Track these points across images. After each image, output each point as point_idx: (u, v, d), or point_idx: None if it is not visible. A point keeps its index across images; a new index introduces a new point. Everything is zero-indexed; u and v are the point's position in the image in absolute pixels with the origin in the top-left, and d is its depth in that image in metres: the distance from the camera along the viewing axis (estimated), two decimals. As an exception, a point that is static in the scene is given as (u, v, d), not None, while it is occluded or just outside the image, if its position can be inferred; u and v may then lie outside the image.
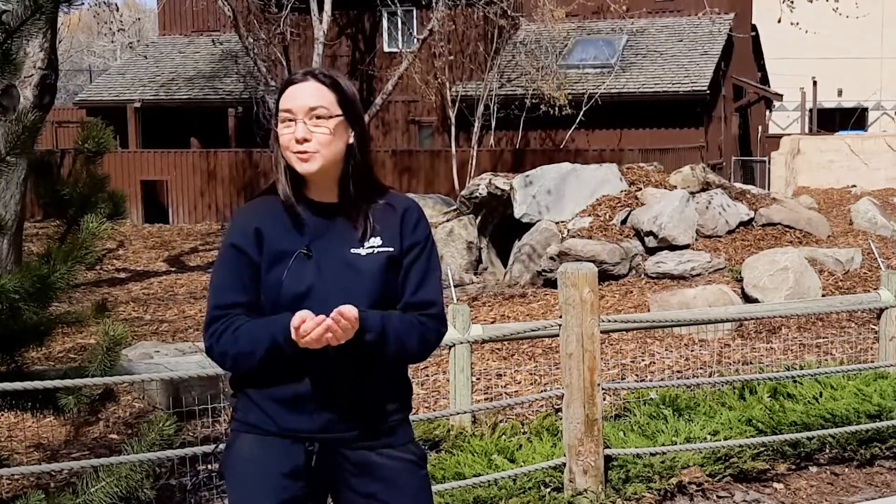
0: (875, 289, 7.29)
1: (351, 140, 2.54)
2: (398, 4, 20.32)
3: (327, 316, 2.36)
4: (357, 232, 2.52)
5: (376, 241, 2.52)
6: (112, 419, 6.38)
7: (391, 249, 2.52)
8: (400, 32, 23.10)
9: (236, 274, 2.50)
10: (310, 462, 2.50)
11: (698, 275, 10.61)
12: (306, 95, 2.49)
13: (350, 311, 2.34)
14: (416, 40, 21.15)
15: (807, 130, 28.58)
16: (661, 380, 7.12)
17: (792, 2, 17.72)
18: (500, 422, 5.66)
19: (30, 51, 8.34)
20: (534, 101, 20.52)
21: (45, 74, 8.71)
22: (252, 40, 20.17)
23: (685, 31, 23.39)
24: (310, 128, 2.47)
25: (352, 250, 2.50)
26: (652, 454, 5.02)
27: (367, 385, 2.50)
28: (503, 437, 5.26)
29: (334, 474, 2.54)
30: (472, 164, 19.61)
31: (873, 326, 7.82)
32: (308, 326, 2.33)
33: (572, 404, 4.75)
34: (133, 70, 25.36)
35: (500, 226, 12.77)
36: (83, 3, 3.90)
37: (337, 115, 2.50)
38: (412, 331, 2.50)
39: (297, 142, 2.46)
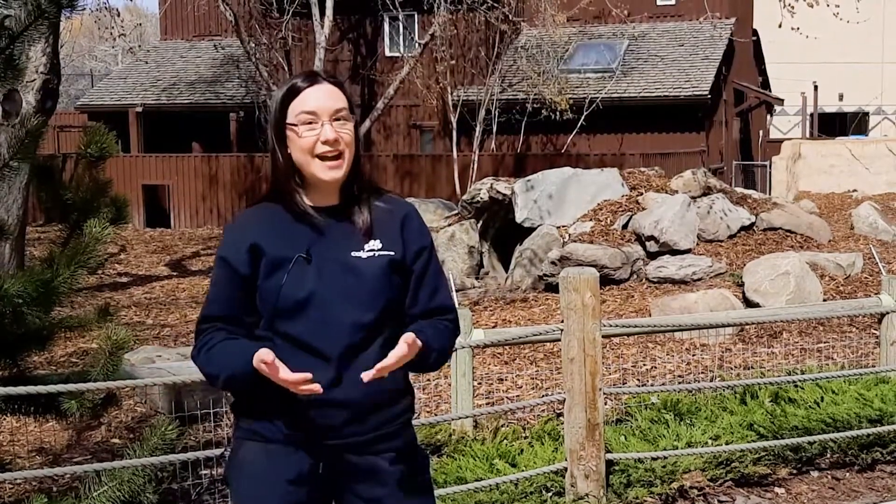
0: (876, 293, 7.29)
1: None
2: (400, 9, 20.36)
3: (329, 319, 2.42)
4: (357, 235, 2.51)
5: (376, 244, 2.51)
6: (114, 423, 6.39)
7: (392, 253, 2.51)
8: (401, 37, 23.13)
9: (222, 288, 2.54)
10: (317, 468, 2.50)
11: (699, 279, 10.61)
12: (329, 97, 2.48)
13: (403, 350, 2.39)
14: (417, 45, 21.17)
15: (808, 135, 28.58)
16: (663, 384, 7.12)
17: (793, 7, 17.73)
18: (502, 426, 5.66)
19: (32, 55, 8.36)
20: (535, 105, 20.54)
21: (47, 79, 8.73)
22: (254, 45, 20.22)
23: (686, 36, 23.40)
24: (336, 129, 2.47)
25: (352, 253, 2.49)
26: (653, 459, 5.02)
27: (373, 390, 2.49)
28: (505, 441, 5.26)
29: (339, 480, 2.54)
30: (473, 168, 19.62)
31: (874, 331, 7.82)
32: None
33: (574, 409, 4.75)
34: (135, 75, 25.39)
35: (502, 230, 12.77)
36: (85, 8, 3.90)
37: (353, 118, 2.52)
38: (446, 336, 2.57)
39: (326, 143, 2.45)
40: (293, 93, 2.49)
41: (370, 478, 2.53)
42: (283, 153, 2.50)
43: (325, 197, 2.53)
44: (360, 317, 2.46)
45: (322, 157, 2.47)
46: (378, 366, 2.37)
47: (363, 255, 2.50)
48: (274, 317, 2.47)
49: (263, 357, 2.33)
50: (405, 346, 2.38)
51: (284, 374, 2.33)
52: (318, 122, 2.46)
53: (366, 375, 2.37)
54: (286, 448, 2.50)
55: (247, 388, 2.45)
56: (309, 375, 2.34)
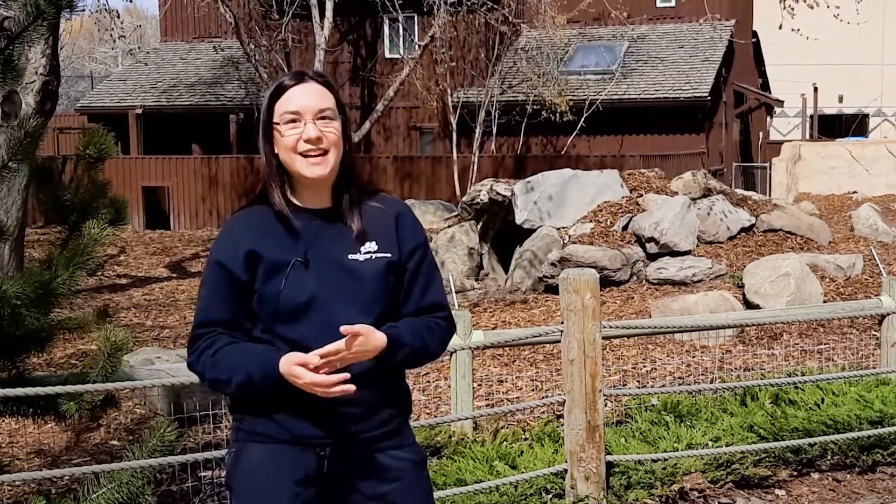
0: (876, 295, 7.28)
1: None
2: (400, 11, 20.37)
3: (329, 322, 2.41)
4: (352, 237, 2.50)
5: (372, 245, 2.51)
6: (113, 425, 6.38)
7: (389, 255, 2.51)
8: (401, 39, 23.13)
9: (219, 292, 2.50)
10: (322, 468, 2.49)
11: (699, 281, 10.60)
12: (313, 97, 2.47)
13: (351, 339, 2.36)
14: (417, 46, 21.18)
15: (808, 136, 28.59)
16: (663, 386, 7.11)
17: (793, 8, 17.74)
18: (502, 428, 5.65)
19: (31, 57, 8.35)
20: (535, 107, 20.54)
21: (46, 80, 8.71)
22: (253, 46, 20.22)
23: (686, 38, 23.41)
24: (320, 128, 2.46)
25: (350, 256, 2.49)
26: (653, 460, 5.02)
27: (376, 389, 2.49)
28: (504, 443, 5.25)
29: (344, 478, 2.53)
30: (473, 170, 19.62)
31: (875, 332, 7.81)
32: (325, 381, 2.34)
33: (574, 410, 4.75)
34: (134, 76, 25.40)
35: (502, 232, 12.77)
36: (84, 9, 3.89)
37: (339, 117, 2.50)
38: (434, 335, 2.55)
39: (309, 142, 2.44)
40: (279, 91, 2.49)
41: (374, 475, 2.53)
42: (271, 153, 2.50)
43: (316, 198, 2.52)
44: (359, 320, 2.44)
45: (305, 155, 2.46)
46: (317, 352, 2.34)
47: (360, 257, 2.49)
48: (274, 320, 2.46)
49: (304, 360, 2.32)
50: (342, 342, 2.35)
51: (322, 377, 2.33)
52: (301, 120, 2.45)
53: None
54: (292, 448, 2.48)
55: (262, 392, 2.43)
56: (347, 375, 2.33)
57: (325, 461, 2.49)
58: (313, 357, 2.33)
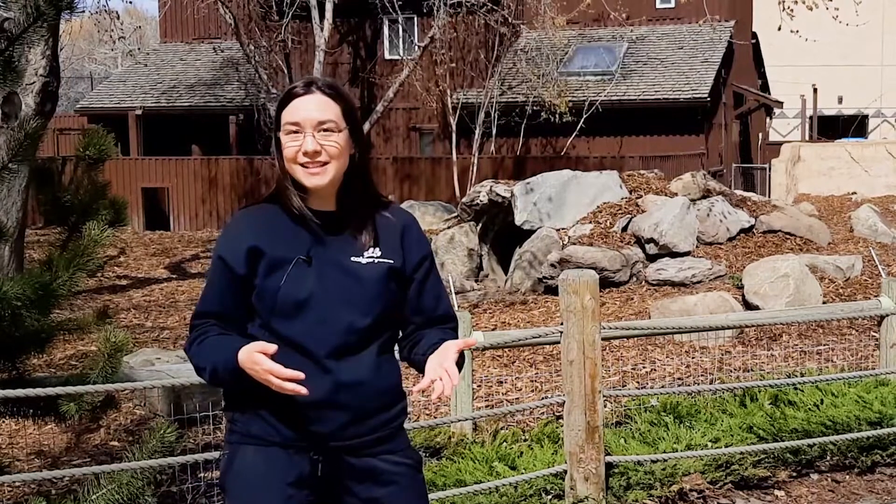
0: (876, 296, 7.29)
1: (352, 150, 2.54)
2: (399, 12, 20.38)
3: (326, 321, 2.43)
4: (356, 241, 2.52)
5: (375, 251, 2.52)
6: (113, 426, 6.38)
7: (391, 261, 2.53)
8: (401, 40, 23.13)
9: (217, 286, 2.54)
10: (315, 471, 2.50)
11: (699, 282, 10.61)
12: (314, 108, 2.47)
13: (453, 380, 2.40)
14: (417, 48, 21.19)
15: (807, 138, 28.59)
16: (662, 387, 7.12)
17: (792, 9, 17.74)
18: (501, 429, 5.66)
19: (31, 58, 8.35)
20: (535, 108, 20.55)
21: (46, 82, 8.71)
22: (253, 48, 20.22)
23: (685, 39, 23.41)
24: (319, 140, 2.46)
25: (352, 258, 2.50)
26: (653, 461, 5.02)
27: (370, 394, 2.51)
28: (504, 444, 5.26)
29: (338, 481, 2.54)
30: (472, 171, 19.63)
31: (874, 333, 7.82)
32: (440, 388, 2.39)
33: (573, 411, 4.75)
34: (134, 77, 25.39)
35: (501, 233, 12.78)
36: (84, 10, 3.90)
37: (344, 128, 2.50)
38: None
39: (307, 155, 2.46)
40: (286, 100, 2.51)
41: (368, 478, 2.54)
42: (281, 158, 2.52)
43: (322, 202, 2.54)
44: (356, 321, 2.47)
45: (304, 165, 2.48)
46: (450, 382, 2.38)
47: (363, 260, 2.51)
48: (271, 317, 2.48)
49: (264, 348, 2.33)
50: (458, 352, 2.44)
51: (279, 367, 2.32)
52: (301, 132, 2.47)
53: (421, 387, 2.41)
54: (285, 451, 2.50)
55: (230, 383, 2.47)
56: (301, 375, 2.34)
57: (319, 465, 2.50)
58: (272, 346, 2.34)
